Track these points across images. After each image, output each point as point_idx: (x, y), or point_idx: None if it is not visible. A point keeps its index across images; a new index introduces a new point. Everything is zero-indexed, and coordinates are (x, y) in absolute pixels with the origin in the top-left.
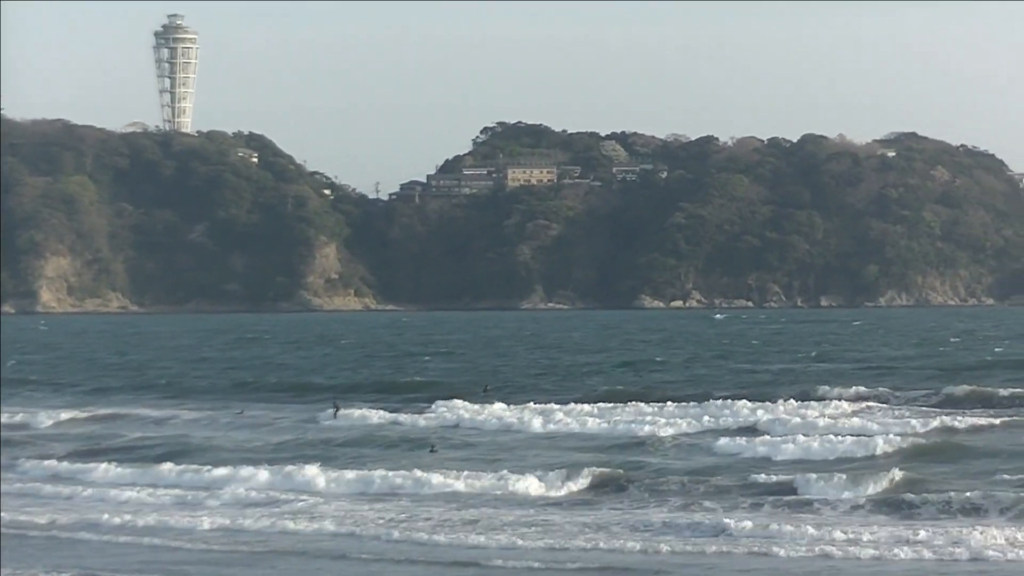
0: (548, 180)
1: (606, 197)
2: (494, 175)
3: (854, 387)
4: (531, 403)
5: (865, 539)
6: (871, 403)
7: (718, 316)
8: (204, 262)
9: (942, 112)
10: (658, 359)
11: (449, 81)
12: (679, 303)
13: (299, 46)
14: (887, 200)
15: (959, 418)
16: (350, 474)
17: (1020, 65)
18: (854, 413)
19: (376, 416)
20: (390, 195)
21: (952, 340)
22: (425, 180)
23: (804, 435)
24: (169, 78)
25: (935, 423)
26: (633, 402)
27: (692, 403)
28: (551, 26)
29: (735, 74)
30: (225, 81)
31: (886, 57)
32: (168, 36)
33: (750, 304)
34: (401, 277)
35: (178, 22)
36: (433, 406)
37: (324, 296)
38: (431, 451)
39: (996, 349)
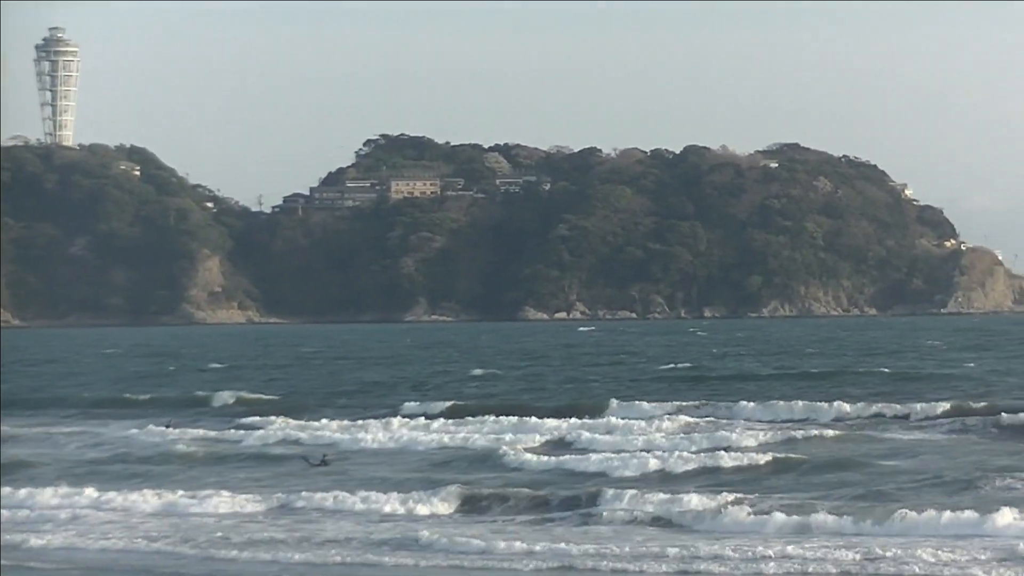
0: (431, 192)
1: (489, 209)
2: (377, 187)
3: (697, 401)
4: (362, 419)
5: (613, 552)
6: (709, 417)
7: (582, 329)
8: (86, 276)
9: (824, 123)
10: (497, 371)
11: (331, 93)
12: (563, 314)
13: (180, 58)
14: (770, 211)
15: (793, 431)
16: (149, 493)
17: (903, 75)
18: (687, 426)
19: (188, 431)
20: (273, 208)
21: (808, 351)
22: (308, 193)
23: (617, 451)
24: (50, 91)
25: (762, 436)
26: (461, 416)
27: (519, 417)
28: (432, 37)
29: (617, 85)
30: (107, 94)
31: (768, 67)
32: (49, 49)
33: (633, 315)
34: (285, 290)
35: (59, 35)
36: (254, 420)
37: (207, 309)
38: (322, 463)
39: (864, 362)
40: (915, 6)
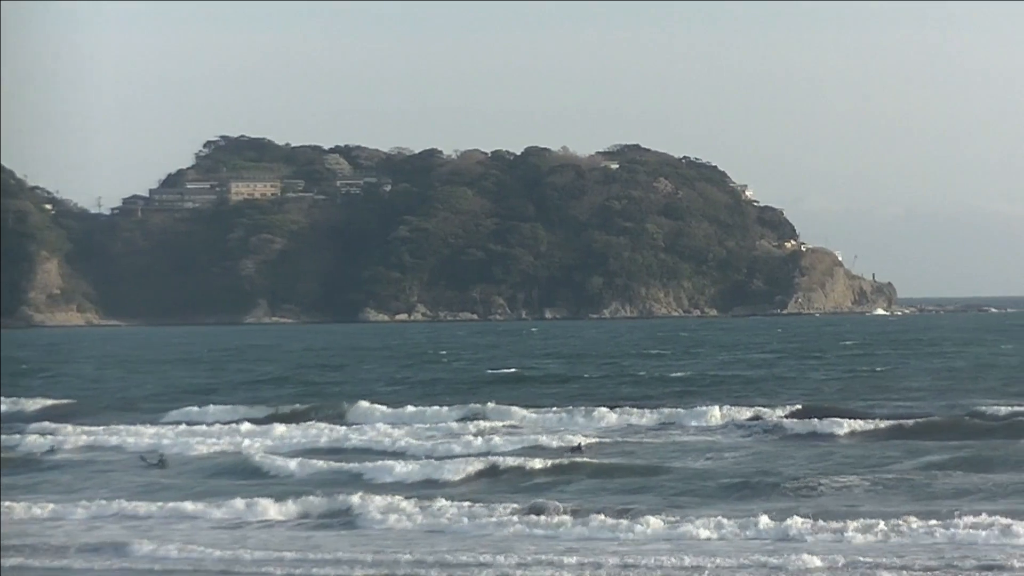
0: (272, 194)
1: (330, 211)
2: (217, 189)
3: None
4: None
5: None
6: (507, 421)
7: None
8: None
9: (665, 124)
10: (297, 373)
11: (169, 93)
12: (404, 316)
13: (14, 57)
14: (610, 212)
15: (586, 435)
16: None
17: (742, 76)
18: (478, 430)
19: None
20: (112, 210)
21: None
22: (147, 194)
23: (388, 456)
24: None
25: (546, 439)
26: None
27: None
28: (271, 36)
29: (457, 86)
30: None
31: (609, 67)
32: None
33: (475, 317)
34: (124, 292)
35: None
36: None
37: (46, 312)
38: (159, 464)
39: (672, 371)
40: (751, 7)
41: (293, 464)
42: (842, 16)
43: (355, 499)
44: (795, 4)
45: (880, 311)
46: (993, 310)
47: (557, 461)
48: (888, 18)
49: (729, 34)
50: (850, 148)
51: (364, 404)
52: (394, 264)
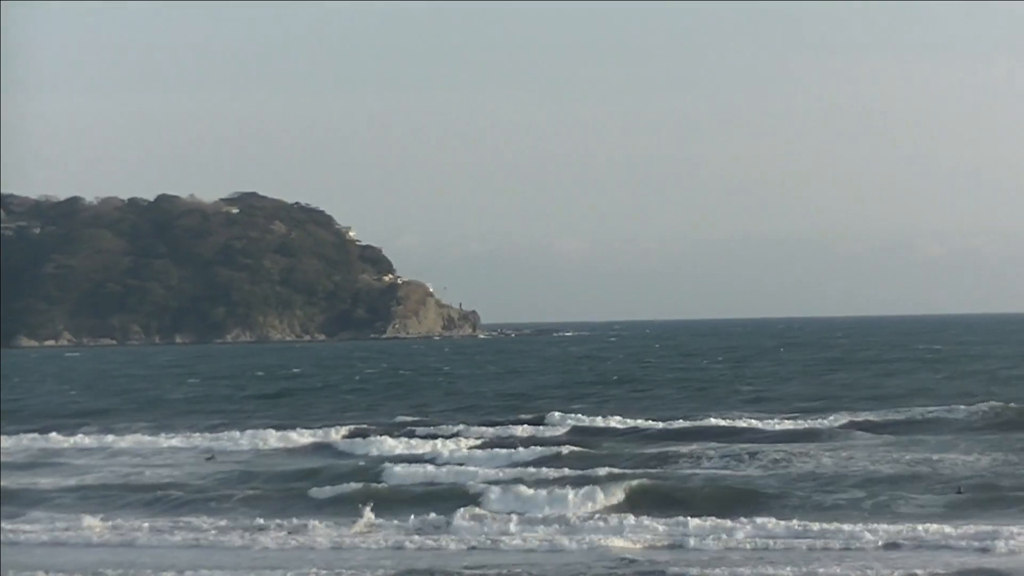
0: None
1: None
2: None
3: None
4: None
5: None
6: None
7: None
8: None
9: (280, 172)
10: None
11: None
12: (52, 342)
13: None
14: (232, 251)
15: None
16: None
17: (348, 128)
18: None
19: None
20: None
21: (257, 374)
22: None
23: None
24: None
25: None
26: None
27: None
28: None
29: (99, 137)
30: None
31: (230, 120)
32: None
33: (114, 342)
34: None
35: None
36: None
37: None
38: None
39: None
40: (346, 59)
41: None
42: (438, 67)
43: None
44: (398, 52)
45: (436, 336)
46: (567, 333)
47: None
48: (473, 76)
49: (330, 87)
50: (440, 189)
51: None
52: (43, 297)
